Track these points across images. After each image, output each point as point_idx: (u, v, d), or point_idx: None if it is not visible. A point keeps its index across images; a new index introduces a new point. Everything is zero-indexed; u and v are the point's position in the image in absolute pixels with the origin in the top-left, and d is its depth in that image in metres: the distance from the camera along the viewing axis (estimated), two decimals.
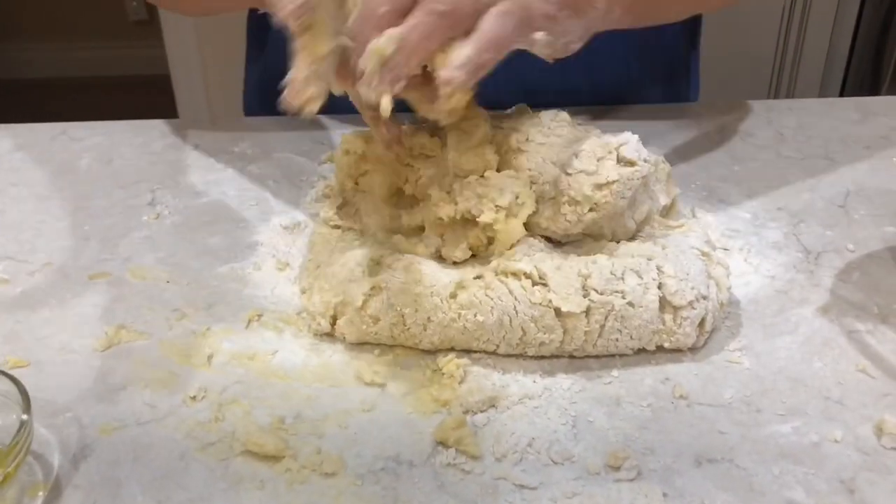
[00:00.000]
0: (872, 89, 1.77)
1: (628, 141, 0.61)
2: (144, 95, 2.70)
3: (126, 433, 0.50)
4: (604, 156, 0.59)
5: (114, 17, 2.98)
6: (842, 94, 1.84)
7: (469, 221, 0.58)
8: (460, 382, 0.53)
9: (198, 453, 0.48)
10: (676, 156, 0.76)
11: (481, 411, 0.51)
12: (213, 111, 2.16)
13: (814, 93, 1.86)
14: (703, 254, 0.58)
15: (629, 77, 0.88)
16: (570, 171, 0.58)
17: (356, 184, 0.65)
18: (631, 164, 0.59)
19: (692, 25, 0.94)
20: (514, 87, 0.84)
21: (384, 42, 0.50)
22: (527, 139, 0.61)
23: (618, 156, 0.59)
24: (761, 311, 0.58)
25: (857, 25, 1.78)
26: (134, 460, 0.48)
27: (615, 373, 0.54)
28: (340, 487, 0.47)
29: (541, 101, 0.86)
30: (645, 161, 0.59)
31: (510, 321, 0.53)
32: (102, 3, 2.94)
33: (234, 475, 0.47)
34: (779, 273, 0.62)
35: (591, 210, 0.57)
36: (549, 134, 0.61)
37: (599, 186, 0.57)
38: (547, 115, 0.63)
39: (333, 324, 0.56)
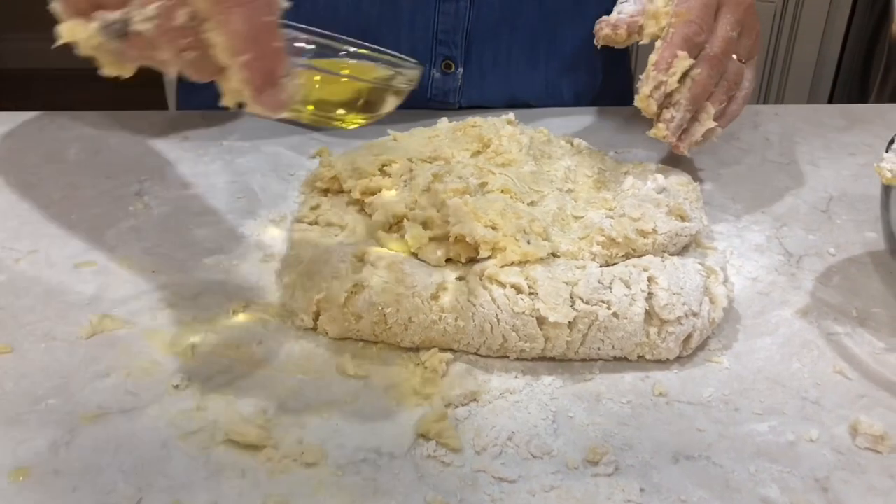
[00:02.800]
0: (861, 97, 1.78)
1: (687, 197, 0.62)
2: (135, 87, 2.69)
3: (109, 421, 0.50)
4: (657, 202, 0.60)
5: None
6: (830, 102, 1.86)
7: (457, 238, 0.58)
8: (443, 376, 0.53)
9: (180, 442, 0.49)
10: (661, 158, 0.77)
11: (463, 405, 0.51)
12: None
13: (802, 100, 1.87)
14: (708, 270, 0.57)
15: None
16: (613, 213, 0.59)
17: (327, 190, 0.66)
18: (682, 218, 0.59)
19: None
20: (502, 95, 0.85)
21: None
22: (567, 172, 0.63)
23: (670, 206, 0.60)
24: (742, 311, 0.59)
25: (847, 33, 1.80)
26: (116, 448, 0.48)
27: (596, 370, 0.54)
28: (321, 477, 0.47)
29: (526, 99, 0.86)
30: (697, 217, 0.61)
31: (491, 328, 0.53)
32: None
33: (216, 464, 0.47)
34: (761, 275, 0.63)
35: (625, 255, 0.58)
36: (589, 167, 0.64)
37: (643, 233, 0.58)
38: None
39: (316, 319, 0.56)
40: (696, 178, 0.69)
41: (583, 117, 0.84)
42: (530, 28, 0.83)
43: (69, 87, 2.87)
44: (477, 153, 0.68)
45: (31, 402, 0.51)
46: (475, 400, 0.52)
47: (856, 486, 0.47)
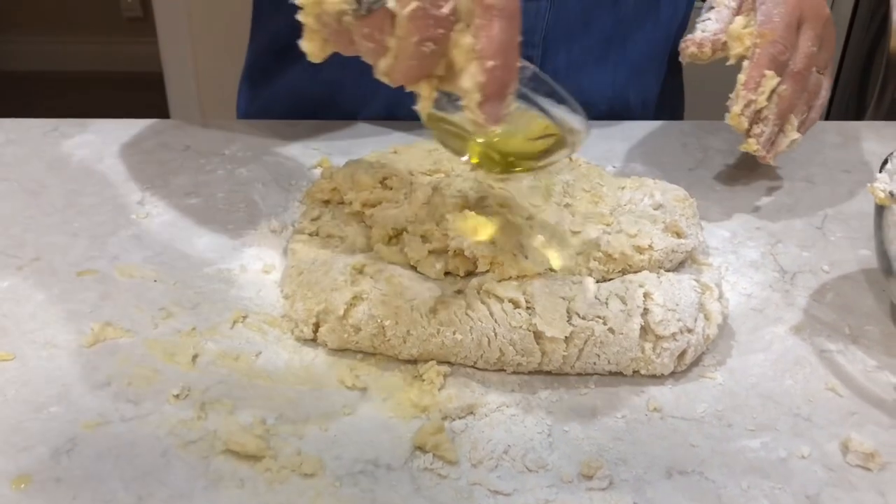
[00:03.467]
0: (857, 113, 1.79)
1: (683, 213, 0.63)
2: (136, 92, 2.70)
3: (109, 429, 0.51)
4: (653, 219, 0.61)
5: (107, 13, 2.98)
6: (827, 118, 1.87)
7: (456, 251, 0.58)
8: (440, 389, 0.54)
9: (179, 451, 0.49)
10: (659, 173, 0.78)
11: (459, 418, 0.52)
12: (205, 111, 2.16)
13: None
14: (703, 286, 0.58)
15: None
16: (610, 229, 0.60)
17: (327, 201, 0.67)
18: (679, 234, 0.60)
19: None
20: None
21: None
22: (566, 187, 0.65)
23: (666, 223, 0.61)
24: (736, 328, 0.60)
25: (844, 50, 1.81)
26: (116, 456, 0.49)
27: (591, 384, 0.55)
28: (319, 488, 0.47)
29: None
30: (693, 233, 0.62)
31: (488, 342, 0.54)
32: None
33: (215, 473, 0.48)
34: (755, 291, 0.63)
35: (622, 271, 0.59)
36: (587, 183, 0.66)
37: (640, 249, 0.59)
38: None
39: (316, 331, 0.57)
40: (692, 195, 0.70)
41: None
42: (603, 31, 0.85)
43: (72, 89, 2.89)
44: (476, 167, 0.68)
45: (32, 409, 0.52)
46: (472, 413, 0.52)
47: (846, 503, 0.47)
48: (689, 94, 1.01)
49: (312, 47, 0.49)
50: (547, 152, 0.55)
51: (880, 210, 0.58)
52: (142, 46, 2.83)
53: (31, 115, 0.84)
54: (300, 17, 0.48)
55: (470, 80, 0.45)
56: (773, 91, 0.68)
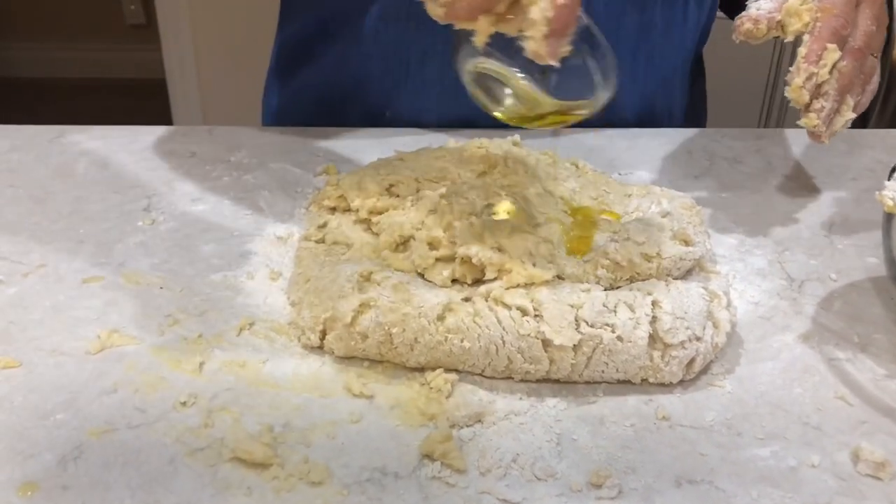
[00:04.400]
0: (861, 122, 1.79)
1: (691, 221, 0.63)
2: (139, 99, 2.70)
3: (116, 436, 0.50)
4: (661, 227, 0.61)
5: (111, 20, 2.99)
6: None
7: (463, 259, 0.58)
8: (447, 397, 0.54)
9: (187, 458, 0.49)
10: (665, 181, 0.78)
11: (467, 426, 0.52)
12: (208, 117, 2.17)
13: None
14: (711, 294, 0.58)
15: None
16: (618, 236, 0.60)
17: (334, 208, 0.67)
18: (687, 242, 0.60)
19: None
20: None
21: None
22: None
23: (674, 231, 0.61)
24: (745, 336, 0.60)
25: None
26: (123, 464, 0.49)
27: (600, 392, 0.55)
28: (326, 497, 0.47)
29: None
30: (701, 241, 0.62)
31: (496, 350, 0.54)
32: (100, 5, 2.95)
33: (222, 481, 0.48)
34: (763, 299, 0.63)
35: (629, 279, 0.59)
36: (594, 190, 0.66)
37: (648, 257, 0.59)
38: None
39: (323, 338, 0.57)
40: (699, 202, 0.70)
41: (587, 139, 0.85)
42: (630, 39, 0.85)
43: (76, 96, 2.89)
44: (483, 174, 0.68)
45: (39, 416, 0.51)
46: (480, 421, 0.52)
47: None
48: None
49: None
50: (571, 108, 0.59)
51: (889, 218, 0.58)
52: (145, 53, 2.83)
53: (36, 121, 0.84)
54: None
55: (539, 13, 0.49)
56: (833, 66, 0.67)
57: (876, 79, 0.71)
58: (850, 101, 0.69)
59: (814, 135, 0.68)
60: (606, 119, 0.85)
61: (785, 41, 0.70)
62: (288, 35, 0.95)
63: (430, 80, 0.84)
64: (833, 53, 0.66)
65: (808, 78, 0.66)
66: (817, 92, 0.67)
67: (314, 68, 0.90)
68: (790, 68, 0.67)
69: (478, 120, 0.75)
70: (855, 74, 0.68)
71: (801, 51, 0.67)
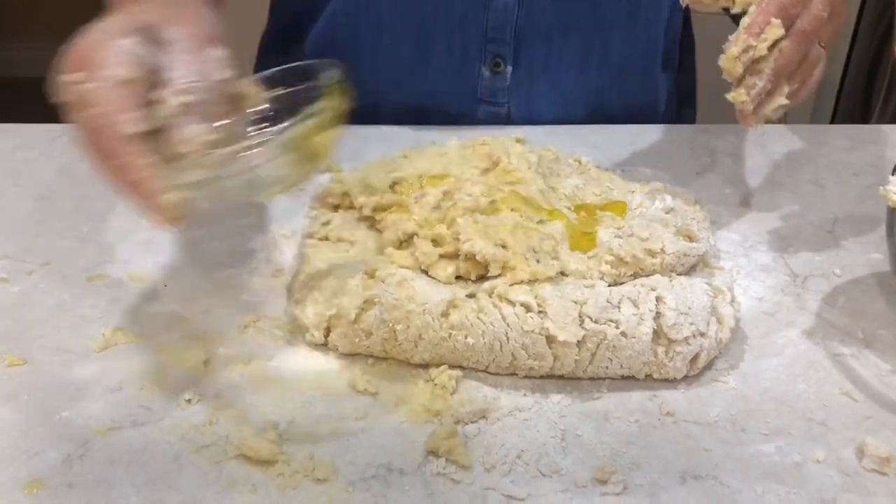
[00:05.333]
0: (863, 118, 1.79)
1: (694, 217, 0.63)
2: None
3: (121, 434, 0.50)
4: (665, 223, 0.61)
5: None
6: (833, 122, 1.87)
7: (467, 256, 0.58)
8: (452, 393, 0.54)
9: (192, 456, 0.49)
10: (668, 177, 0.78)
11: (472, 422, 0.52)
12: None
13: (805, 120, 1.88)
14: (715, 290, 0.58)
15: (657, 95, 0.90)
16: (622, 232, 0.60)
17: (337, 206, 0.67)
18: (690, 238, 0.60)
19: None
20: (551, 99, 0.86)
21: None
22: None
23: (678, 227, 0.61)
24: (749, 332, 0.60)
25: (850, 54, 1.81)
26: (128, 462, 0.49)
27: (604, 388, 0.55)
28: (332, 494, 0.47)
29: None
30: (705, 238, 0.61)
31: (500, 346, 0.54)
32: (100, 4, 2.95)
33: (228, 478, 0.48)
34: (767, 295, 0.63)
35: (633, 275, 0.59)
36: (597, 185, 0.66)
37: (652, 253, 0.59)
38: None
39: (327, 335, 0.57)
40: (702, 198, 0.70)
41: (590, 136, 0.85)
42: (582, 33, 0.84)
43: None
44: (486, 171, 0.68)
45: (44, 414, 0.51)
46: (484, 417, 0.52)
47: None
48: (697, 97, 1.01)
49: None
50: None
51: (893, 213, 0.58)
52: None
53: (38, 121, 0.84)
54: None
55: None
56: (775, 44, 0.64)
57: (819, 73, 0.68)
58: (786, 88, 0.65)
59: (741, 114, 0.65)
60: (555, 116, 0.85)
61: (732, 13, 0.66)
62: (275, 27, 0.95)
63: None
64: (776, 30, 0.63)
65: (745, 50, 0.63)
66: (753, 68, 0.64)
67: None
68: (729, 37, 0.64)
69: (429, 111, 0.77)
70: (795, 58, 0.65)
71: (745, 21, 0.64)
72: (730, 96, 0.65)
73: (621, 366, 0.54)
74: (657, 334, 0.54)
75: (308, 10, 0.86)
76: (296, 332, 0.58)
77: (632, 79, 0.89)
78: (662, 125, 0.87)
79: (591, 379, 0.55)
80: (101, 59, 0.49)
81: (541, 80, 0.85)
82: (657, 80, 0.91)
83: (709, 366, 0.56)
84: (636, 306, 0.55)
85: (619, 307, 0.55)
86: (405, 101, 0.84)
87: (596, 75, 0.87)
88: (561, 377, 0.55)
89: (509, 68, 0.84)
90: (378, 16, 0.82)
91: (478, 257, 0.57)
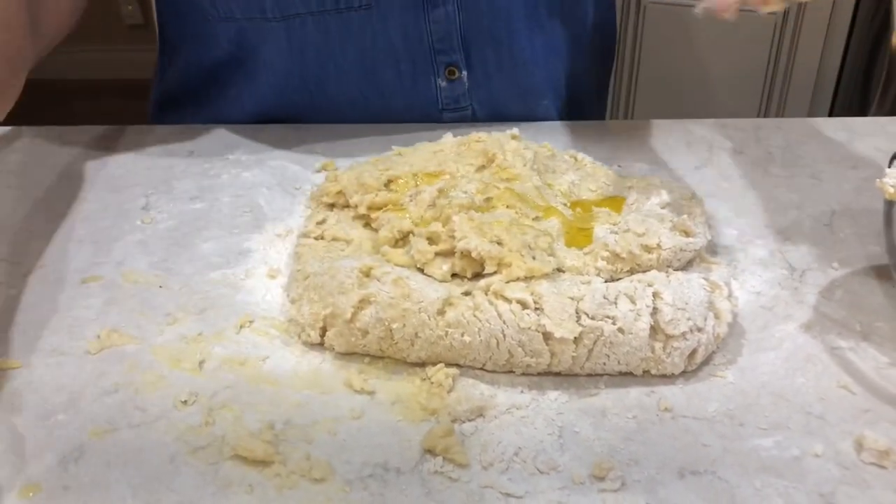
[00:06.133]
0: (861, 110, 1.79)
1: (691, 211, 0.63)
2: (137, 99, 2.70)
3: (117, 436, 0.50)
4: (661, 218, 0.61)
5: (108, 20, 2.98)
6: (831, 115, 1.87)
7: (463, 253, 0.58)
8: (449, 391, 0.54)
9: (188, 457, 0.49)
10: (664, 171, 0.77)
11: (469, 420, 0.52)
12: None
13: (803, 112, 1.88)
14: (712, 285, 0.58)
15: None
16: (618, 228, 0.60)
17: (332, 205, 0.66)
18: (687, 233, 0.60)
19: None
20: (512, 94, 0.86)
21: None
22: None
23: (674, 222, 0.61)
24: (746, 326, 0.59)
25: (847, 46, 1.80)
26: (124, 463, 0.49)
27: (602, 385, 0.55)
28: (329, 493, 0.47)
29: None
30: (702, 232, 0.61)
31: (497, 344, 0.54)
32: (97, 6, 2.94)
33: (224, 479, 0.48)
34: (764, 289, 0.63)
35: (630, 270, 0.58)
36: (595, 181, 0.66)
37: (648, 248, 0.58)
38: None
39: (323, 334, 0.57)
40: (700, 193, 0.70)
41: (586, 131, 0.84)
42: (523, 27, 0.84)
43: (74, 97, 2.89)
44: (481, 168, 0.68)
45: (40, 417, 0.51)
46: (481, 415, 0.52)
47: (861, 501, 0.47)
48: (693, 90, 1.01)
49: None
50: None
51: (889, 205, 0.58)
52: (143, 53, 2.82)
53: (33, 123, 0.84)
54: None
55: None
56: None
57: None
58: None
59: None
60: (521, 110, 0.86)
61: None
62: (171, 81, 0.93)
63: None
64: None
65: None
66: None
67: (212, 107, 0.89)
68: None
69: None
70: None
71: None
72: None
73: (618, 362, 0.54)
74: (654, 330, 0.54)
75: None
76: (291, 331, 0.58)
77: (578, 63, 0.89)
78: (659, 120, 0.87)
79: (589, 375, 0.55)
80: None
81: (497, 78, 0.85)
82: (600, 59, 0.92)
83: (706, 361, 0.56)
84: (633, 302, 0.55)
85: (615, 303, 0.54)
86: (368, 120, 0.84)
87: (545, 65, 0.87)
88: (558, 374, 0.55)
89: (465, 73, 0.84)
90: (317, 54, 0.81)
91: (473, 255, 0.57)
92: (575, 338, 0.53)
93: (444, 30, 0.82)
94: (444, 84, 0.84)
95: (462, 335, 0.54)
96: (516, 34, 0.84)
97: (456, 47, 0.83)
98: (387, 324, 0.54)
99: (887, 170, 0.58)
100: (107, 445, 0.50)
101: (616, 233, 0.60)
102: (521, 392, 0.54)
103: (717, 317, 0.56)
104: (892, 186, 0.56)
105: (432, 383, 0.54)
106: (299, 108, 0.84)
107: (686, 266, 0.61)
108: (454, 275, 0.59)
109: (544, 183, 0.66)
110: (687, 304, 0.55)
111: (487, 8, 0.82)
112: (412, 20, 0.81)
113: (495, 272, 0.57)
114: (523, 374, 0.55)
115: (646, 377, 0.55)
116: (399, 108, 0.84)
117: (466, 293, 0.56)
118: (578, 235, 0.61)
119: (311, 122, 0.84)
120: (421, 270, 0.59)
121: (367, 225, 0.64)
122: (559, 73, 0.89)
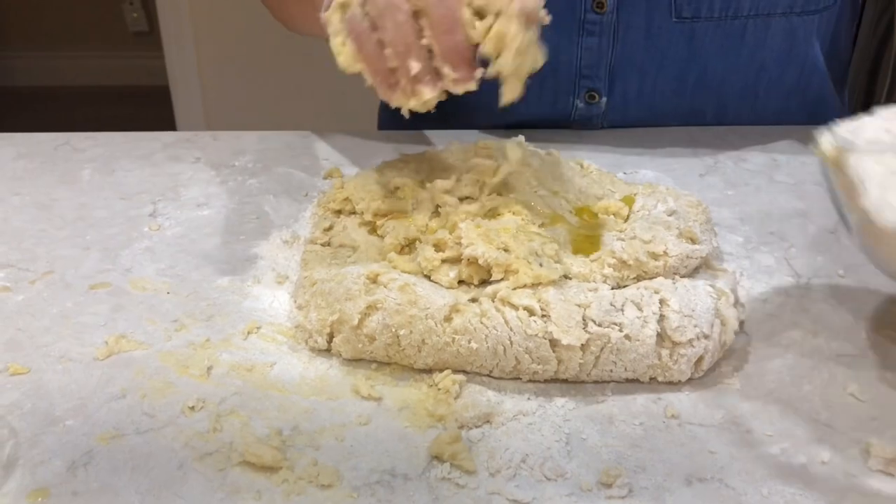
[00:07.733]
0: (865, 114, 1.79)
1: (697, 219, 0.63)
2: (143, 106, 2.71)
3: (125, 442, 0.50)
4: (667, 225, 0.61)
5: (114, 27, 3.00)
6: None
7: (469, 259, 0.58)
8: (456, 398, 0.54)
9: (196, 463, 0.49)
10: (671, 179, 0.77)
11: (476, 427, 0.52)
12: (211, 123, 2.17)
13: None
14: (718, 292, 0.57)
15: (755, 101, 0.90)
16: (625, 235, 0.60)
17: (339, 211, 0.67)
18: (693, 240, 0.60)
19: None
20: (645, 118, 0.86)
21: None
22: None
23: (680, 229, 0.61)
24: (752, 333, 0.59)
25: (851, 54, 1.80)
26: (132, 469, 0.49)
27: (608, 392, 0.55)
28: (336, 499, 0.47)
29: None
30: (708, 240, 0.61)
31: (504, 351, 0.54)
32: (102, 13, 2.96)
33: (232, 485, 0.48)
34: (770, 297, 0.63)
35: (636, 277, 0.58)
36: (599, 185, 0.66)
37: (655, 256, 0.58)
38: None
39: (330, 341, 0.57)
40: (705, 200, 0.70)
41: (592, 139, 0.85)
42: (679, 64, 0.85)
43: (80, 104, 2.90)
44: (488, 175, 0.68)
45: (49, 422, 0.51)
46: (488, 422, 0.52)
47: None
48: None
49: None
50: None
51: (827, 170, 0.55)
52: (148, 60, 2.84)
53: (40, 130, 0.85)
54: None
55: None
56: None
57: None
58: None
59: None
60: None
61: None
62: None
63: None
64: None
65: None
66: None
67: None
68: None
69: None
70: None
71: None
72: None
73: (625, 369, 0.54)
74: (661, 337, 0.54)
75: None
76: (299, 337, 0.58)
77: (730, 98, 0.88)
78: (664, 128, 0.87)
79: (596, 382, 0.55)
80: None
81: (634, 105, 0.87)
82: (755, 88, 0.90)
83: (713, 368, 0.56)
84: (640, 309, 0.55)
85: (622, 310, 0.55)
86: (499, 124, 0.86)
87: (691, 97, 0.87)
88: (565, 381, 0.55)
89: (604, 99, 0.86)
90: None
91: (480, 262, 0.57)
92: (582, 345, 0.53)
93: (594, 59, 0.83)
94: (581, 105, 0.86)
95: (469, 342, 0.54)
96: (666, 68, 0.84)
97: (602, 76, 0.84)
98: (394, 330, 0.54)
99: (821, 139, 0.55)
100: (115, 451, 0.50)
101: (623, 240, 0.60)
102: (528, 399, 0.54)
103: (723, 324, 0.56)
104: (827, 144, 0.54)
105: (439, 390, 0.54)
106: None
107: (692, 273, 0.61)
108: (461, 281, 0.59)
109: (550, 190, 0.66)
110: (694, 311, 0.55)
111: (645, 45, 0.83)
112: (565, 43, 0.82)
113: (502, 279, 0.57)
114: (530, 380, 0.55)
115: (652, 384, 0.55)
116: (533, 119, 0.86)
117: (473, 300, 0.56)
118: (585, 242, 0.62)
119: (453, 122, 0.85)
120: (428, 277, 0.59)
121: (373, 231, 0.65)
122: (702, 104, 0.88)
